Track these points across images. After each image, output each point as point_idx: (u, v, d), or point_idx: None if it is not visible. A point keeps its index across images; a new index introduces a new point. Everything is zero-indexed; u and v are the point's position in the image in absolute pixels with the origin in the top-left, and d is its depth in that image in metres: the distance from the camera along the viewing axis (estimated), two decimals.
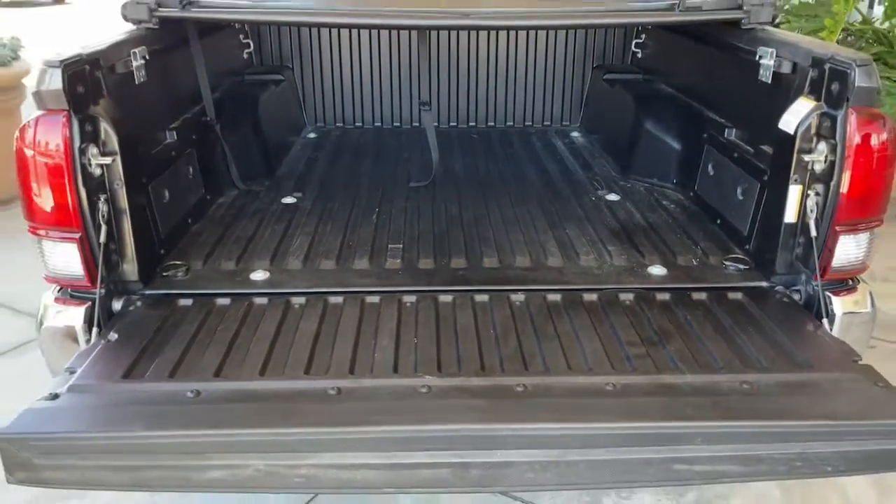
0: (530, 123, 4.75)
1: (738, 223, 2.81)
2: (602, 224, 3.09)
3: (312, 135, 4.55)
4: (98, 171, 2.31)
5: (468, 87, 4.65)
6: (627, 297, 2.47)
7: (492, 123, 4.75)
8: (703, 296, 2.49)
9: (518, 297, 2.46)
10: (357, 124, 4.72)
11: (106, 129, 2.33)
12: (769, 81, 2.66)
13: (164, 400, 1.93)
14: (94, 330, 2.27)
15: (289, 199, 3.38)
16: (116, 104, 2.44)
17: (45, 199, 2.25)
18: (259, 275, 2.62)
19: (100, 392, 1.97)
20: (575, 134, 4.56)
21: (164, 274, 2.59)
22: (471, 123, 4.73)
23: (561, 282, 2.57)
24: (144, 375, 2.05)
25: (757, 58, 2.71)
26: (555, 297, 2.46)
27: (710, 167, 3.13)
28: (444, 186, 3.57)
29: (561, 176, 3.75)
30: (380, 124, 4.73)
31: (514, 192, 3.51)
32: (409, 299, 2.44)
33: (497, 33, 4.49)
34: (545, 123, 4.75)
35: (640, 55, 4.43)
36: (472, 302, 2.43)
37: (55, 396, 1.91)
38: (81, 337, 2.31)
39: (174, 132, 2.99)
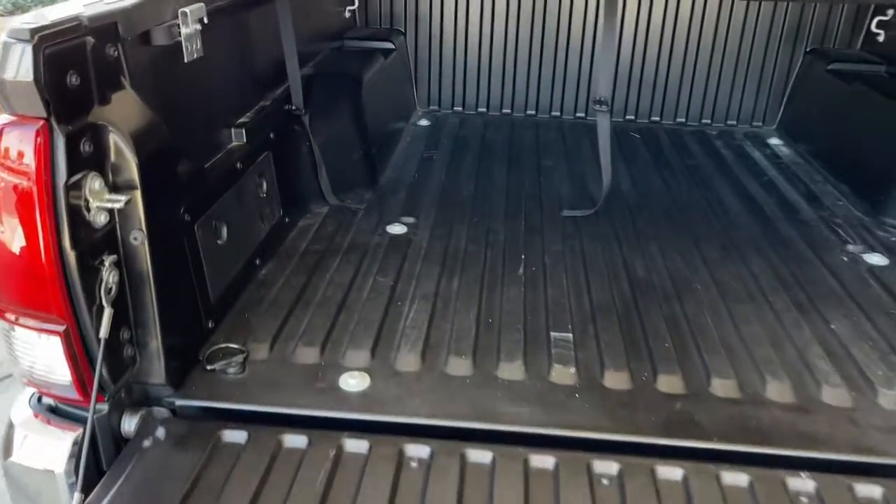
0: (708, 121, 3.59)
1: None
2: (882, 313, 1.97)
3: (424, 122, 3.53)
4: (102, 219, 1.38)
5: (629, 69, 3.53)
6: None
7: (657, 118, 3.61)
8: None
9: (796, 484, 1.40)
10: (480, 110, 3.68)
11: (119, 147, 1.38)
12: None
13: None
14: (78, 491, 1.35)
15: (397, 228, 2.39)
16: (146, 101, 1.49)
17: (10, 268, 1.33)
18: (354, 381, 1.65)
19: None
20: (774, 141, 3.38)
21: (210, 367, 1.66)
22: (628, 117, 3.62)
23: (863, 449, 1.49)
24: None
25: None
26: (865, 490, 1.39)
27: None
28: (610, 218, 2.51)
29: (779, 210, 2.62)
30: (508, 111, 3.67)
31: (718, 233, 2.42)
32: (605, 469, 1.42)
33: None
34: (729, 123, 3.58)
35: (881, 38, 3.19)
36: (719, 487, 1.39)
37: None
38: (63, 490, 1.40)
39: (242, 132, 2.03)
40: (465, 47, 3.57)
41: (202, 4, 1.71)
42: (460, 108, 3.69)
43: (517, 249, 2.28)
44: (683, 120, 3.60)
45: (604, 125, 2.39)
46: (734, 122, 3.57)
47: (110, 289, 1.39)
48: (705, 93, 3.54)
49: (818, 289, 2.09)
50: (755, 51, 3.45)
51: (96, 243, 1.37)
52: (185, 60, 1.67)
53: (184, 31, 1.65)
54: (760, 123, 3.56)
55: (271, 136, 2.23)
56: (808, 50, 3.43)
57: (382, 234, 2.36)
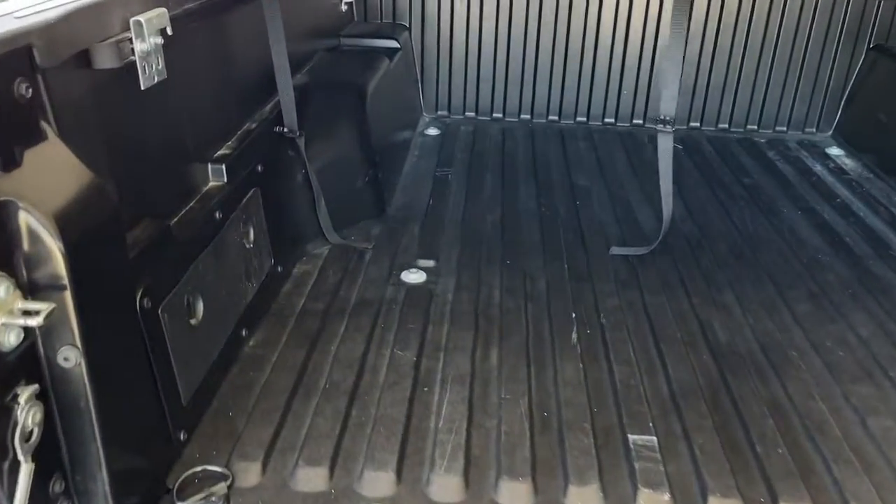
0: (755, 127, 3.17)
1: None
2: None
3: (433, 131, 3.09)
4: (13, 339, 0.94)
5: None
6: None
7: (696, 124, 3.19)
8: None
9: None
10: (496, 115, 3.24)
11: (34, 232, 0.94)
12: None
13: None
14: None
15: (413, 276, 1.96)
16: (82, 151, 1.04)
17: None
18: None
19: None
20: (835, 151, 2.97)
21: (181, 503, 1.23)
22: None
23: None
24: None
25: None
26: None
27: None
28: (670, 257, 2.08)
29: (865, 244, 2.20)
30: (528, 117, 3.23)
31: (802, 277, 2.00)
32: None
33: None
34: (778, 129, 3.16)
35: None
36: None
37: None
38: None
39: (221, 168, 1.59)
40: (479, 43, 3.12)
41: (164, 10, 1.26)
42: (473, 114, 3.25)
43: (564, 304, 1.85)
44: (727, 126, 3.18)
45: (666, 147, 1.96)
46: (784, 129, 3.15)
47: (29, 434, 0.96)
48: (752, 95, 3.12)
49: None
50: (811, 48, 3.03)
51: (4, 374, 0.93)
52: (143, 87, 1.23)
53: (138, 47, 1.20)
54: (814, 129, 3.14)
55: (259, 168, 1.79)
56: (871, 46, 3.01)
57: (397, 283, 1.93)
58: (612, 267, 2.05)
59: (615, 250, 2.12)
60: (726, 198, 2.51)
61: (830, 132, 3.12)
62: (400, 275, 1.97)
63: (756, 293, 1.93)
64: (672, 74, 1.88)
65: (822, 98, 3.09)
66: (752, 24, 3.00)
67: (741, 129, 3.16)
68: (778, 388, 1.57)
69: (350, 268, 1.99)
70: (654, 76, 3.09)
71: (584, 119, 3.21)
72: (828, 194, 2.55)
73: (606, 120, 3.19)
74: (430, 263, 2.03)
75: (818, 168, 2.79)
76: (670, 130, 1.94)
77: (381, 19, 3.14)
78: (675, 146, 2.97)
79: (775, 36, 3.01)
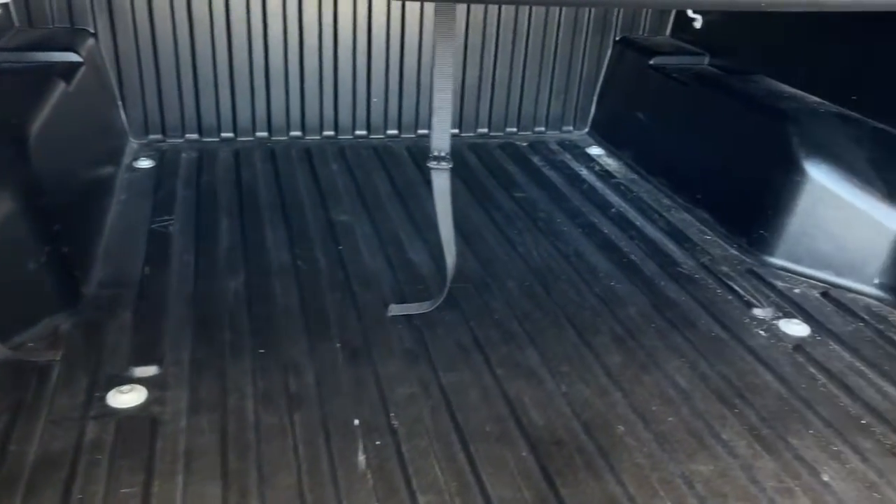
0: (514, 130, 2.97)
1: None
2: (854, 427, 1.44)
3: (145, 162, 2.45)
4: None
5: (417, 72, 2.76)
6: None
7: (455, 131, 2.90)
8: None
9: None
10: (225, 135, 2.68)
11: None
12: None
13: None
14: None
15: (126, 397, 1.38)
16: None
17: None
18: None
19: None
20: (595, 151, 2.84)
21: None
22: (420, 131, 2.86)
23: None
24: None
25: None
26: None
27: None
28: (459, 310, 1.74)
29: (652, 262, 2.03)
30: (265, 135, 2.72)
31: (601, 314, 1.77)
32: None
33: None
34: (537, 130, 2.99)
35: (699, 25, 2.76)
36: None
37: None
38: None
39: None
40: (192, 46, 2.53)
41: None
42: (195, 135, 2.66)
43: (343, 405, 1.41)
44: (486, 130, 2.93)
45: (443, 187, 1.58)
46: (543, 129, 2.98)
47: None
48: (508, 95, 2.90)
49: (765, 400, 1.51)
50: (561, 43, 2.86)
51: None
52: None
53: None
54: (571, 128, 3.01)
55: None
56: (617, 39, 2.92)
57: (102, 413, 1.35)
58: (395, 333, 1.65)
59: (394, 309, 1.72)
60: (504, 221, 2.23)
61: (587, 129, 3.01)
62: (106, 397, 1.39)
63: (561, 346, 1.65)
64: (442, 100, 1.50)
65: (577, 94, 2.96)
66: (502, 18, 2.76)
67: (501, 133, 2.94)
68: (613, 483, 1.28)
69: (26, 400, 1.37)
70: (404, 80, 2.73)
71: (333, 133, 2.77)
72: (602, 204, 2.38)
73: (358, 132, 2.79)
74: (152, 371, 1.47)
75: (584, 173, 2.63)
76: (446, 167, 1.57)
77: (53, 24, 2.41)
78: None
79: (525, 31, 2.80)
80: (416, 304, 1.73)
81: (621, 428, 1.41)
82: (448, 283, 1.69)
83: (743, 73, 2.49)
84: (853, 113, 2.07)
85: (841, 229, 1.94)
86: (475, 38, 2.76)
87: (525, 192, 2.44)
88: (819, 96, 2.21)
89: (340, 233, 2.08)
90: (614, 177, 2.60)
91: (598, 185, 2.54)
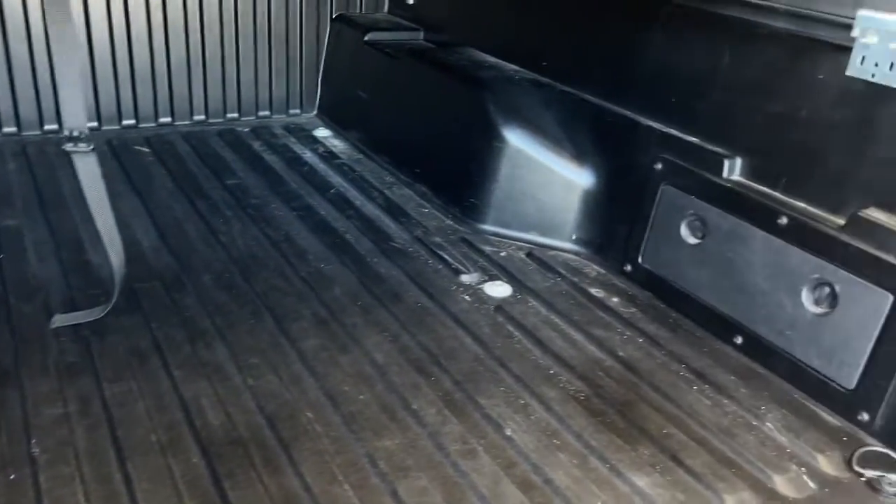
0: (236, 115, 2.78)
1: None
2: (544, 379, 1.46)
3: None
4: None
5: (112, 62, 2.49)
6: None
7: (167, 119, 2.66)
8: None
9: None
10: None
11: None
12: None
13: None
14: None
15: None
16: None
17: None
18: None
19: None
20: (322, 133, 2.74)
21: None
22: (126, 122, 2.58)
23: None
24: None
25: None
26: None
27: (682, 223, 1.69)
28: (140, 313, 1.55)
29: (368, 239, 1.97)
30: None
31: (306, 299, 1.66)
32: None
33: None
34: (262, 115, 2.82)
35: (412, 1, 2.74)
36: None
37: None
38: None
39: None
40: None
41: None
42: None
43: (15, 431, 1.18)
44: (204, 118, 2.72)
45: (89, 173, 1.37)
46: (268, 113, 2.83)
47: None
48: (224, 78, 2.70)
49: (460, 364, 1.49)
50: (274, 18, 2.72)
51: None
52: None
53: None
54: (299, 111, 2.88)
55: None
56: (334, 17, 2.83)
57: None
58: (56, 347, 1.43)
59: (58, 320, 1.49)
60: (208, 210, 2.05)
61: (315, 112, 2.91)
62: None
63: (253, 338, 1.52)
64: (68, 75, 1.29)
65: (300, 75, 2.84)
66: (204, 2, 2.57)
67: (221, 120, 2.74)
68: (291, 475, 1.18)
69: None
70: (35, 67, 2.41)
71: (15, 130, 2.42)
72: (322, 185, 2.29)
73: (6, 130, 2.43)
74: None
75: (308, 155, 2.52)
76: (88, 149, 1.36)
77: None
78: (141, 150, 2.43)
79: (232, 5, 2.62)
80: (85, 311, 1.52)
81: (309, 415, 1.31)
82: (118, 284, 1.49)
83: (454, 45, 2.51)
84: (544, 78, 2.14)
85: (540, 191, 2.00)
86: (175, 13, 2.53)
87: (240, 179, 2.28)
88: (517, 64, 2.27)
89: (6, 238, 1.79)
90: (339, 157, 2.52)
91: (321, 166, 2.44)
